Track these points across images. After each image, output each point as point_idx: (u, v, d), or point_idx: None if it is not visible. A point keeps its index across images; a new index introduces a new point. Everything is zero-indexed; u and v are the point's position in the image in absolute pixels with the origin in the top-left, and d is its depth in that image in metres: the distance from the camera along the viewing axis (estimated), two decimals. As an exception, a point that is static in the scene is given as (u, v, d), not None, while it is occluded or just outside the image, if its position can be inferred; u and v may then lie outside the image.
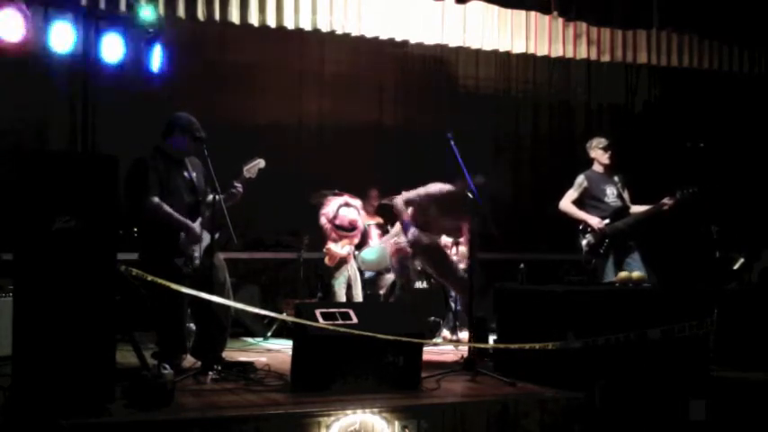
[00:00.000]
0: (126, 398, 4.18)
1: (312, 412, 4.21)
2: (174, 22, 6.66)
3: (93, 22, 6.53)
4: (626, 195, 6.99)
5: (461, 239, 6.85)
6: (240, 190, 5.38)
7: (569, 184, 7.09)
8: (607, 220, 6.86)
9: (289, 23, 6.64)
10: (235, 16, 6.46)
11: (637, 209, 6.94)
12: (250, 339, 7.30)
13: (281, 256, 8.35)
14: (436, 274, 6.68)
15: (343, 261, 7.31)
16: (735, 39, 8.01)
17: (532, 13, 7.37)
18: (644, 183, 7.36)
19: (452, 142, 5.92)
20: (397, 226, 6.72)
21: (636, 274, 5.96)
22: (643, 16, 7.55)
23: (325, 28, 6.79)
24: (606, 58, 7.72)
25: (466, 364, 5.39)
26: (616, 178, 6.99)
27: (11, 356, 4.11)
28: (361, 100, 9.04)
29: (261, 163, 5.45)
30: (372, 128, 9.09)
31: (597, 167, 7.01)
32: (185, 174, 5.36)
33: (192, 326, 5.63)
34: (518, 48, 7.46)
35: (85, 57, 6.79)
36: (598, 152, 6.98)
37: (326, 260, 7.34)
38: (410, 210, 6.41)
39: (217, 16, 6.42)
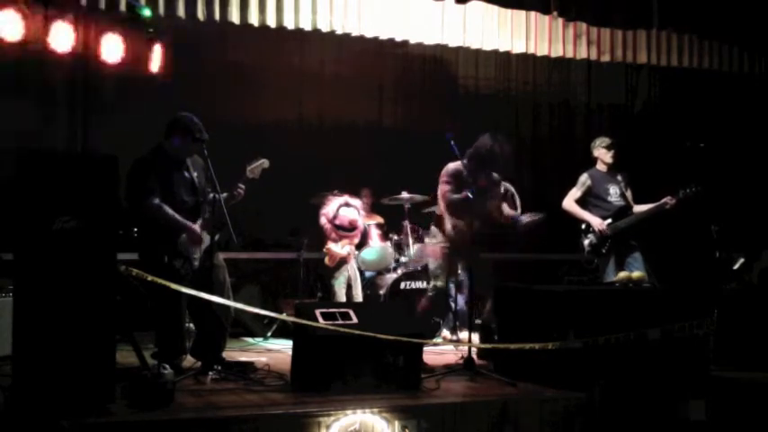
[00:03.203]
0: (126, 398, 4.19)
1: (312, 412, 4.22)
2: (174, 22, 6.66)
3: (92, 22, 6.53)
4: (629, 194, 7.00)
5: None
6: (242, 192, 5.37)
7: (569, 184, 7.10)
8: (609, 221, 6.87)
9: (289, 23, 6.63)
10: (235, 16, 6.45)
11: (639, 208, 6.95)
12: (250, 339, 7.30)
13: (281, 256, 8.34)
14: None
15: (343, 261, 7.31)
16: (735, 39, 8.01)
17: (532, 13, 7.37)
18: (644, 183, 7.36)
19: (453, 143, 5.92)
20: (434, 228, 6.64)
21: (636, 273, 5.97)
22: (643, 16, 7.55)
23: (325, 28, 6.79)
24: (606, 58, 7.72)
25: (466, 364, 5.39)
26: (619, 177, 7.01)
27: (11, 356, 4.12)
28: (361, 100, 9.03)
29: (265, 163, 5.44)
30: (372, 128, 9.09)
31: (600, 166, 7.04)
32: (186, 174, 5.36)
33: (192, 326, 5.63)
34: (518, 48, 7.46)
35: (85, 57, 6.79)
36: (601, 151, 7.01)
37: (326, 260, 7.33)
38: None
39: (217, 16, 6.41)
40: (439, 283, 6.38)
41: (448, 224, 6.28)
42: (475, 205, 5.89)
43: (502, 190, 6.37)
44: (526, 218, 6.30)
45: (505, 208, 6.35)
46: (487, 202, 6.17)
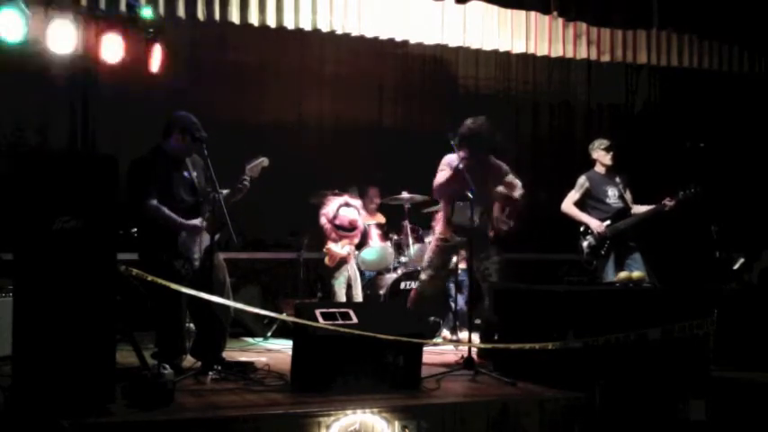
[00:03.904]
0: (126, 398, 4.18)
1: (312, 412, 4.21)
2: (174, 22, 6.66)
3: (93, 22, 6.53)
4: (627, 196, 7.00)
5: None
6: (247, 185, 5.34)
7: (569, 184, 7.10)
8: (608, 222, 6.88)
9: (289, 23, 6.63)
10: (235, 16, 6.45)
11: (638, 209, 6.96)
12: (250, 339, 7.30)
13: (281, 256, 8.35)
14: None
15: (343, 261, 7.31)
16: (735, 39, 8.01)
17: (532, 13, 7.37)
18: (644, 183, 7.37)
19: (453, 143, 5.92)
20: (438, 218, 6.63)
21: (636, 274, 5.97)
22: (643, 16, 7.55)
23: (325, 28, 6.79)
24: (606, 58, 7.72)
25: (466, 364, 5.39)
26: (618, 179, 7.01)
27: (11, 356, 4.12)
28: (361, 100, 9.03)
29: (264, 161, 5.42)
30: (372, 128, 9.09)
31: (599, 168, 7.05)
32: (185, 174, 5.36)
33: (192, 326, 5.63)
34: (518, 48, 7.46)
35: (85, 57, 6.79)
36: (600, 153, 7.02)
37: (326, 260, 7.34)
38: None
39: (217, 16, 6.41)
40: (423, 277, 6.40)
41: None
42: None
43: (504, 174, 6.31)
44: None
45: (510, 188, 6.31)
46: (485, 186, 6.13)
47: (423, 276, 6.41)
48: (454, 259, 6.55)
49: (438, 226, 6.42)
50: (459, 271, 6.81)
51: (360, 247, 7.51)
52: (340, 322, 4.77)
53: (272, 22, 6.58)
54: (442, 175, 6.14)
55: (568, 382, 4.86)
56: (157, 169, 5.24)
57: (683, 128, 9.32)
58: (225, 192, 5.21)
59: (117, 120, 7.70)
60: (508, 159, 6.38)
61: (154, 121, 5.68)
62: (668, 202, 6.81)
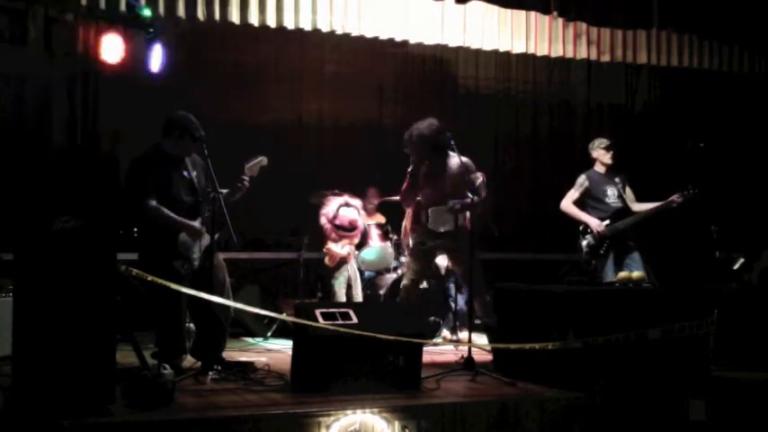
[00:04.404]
0: (126, 398, 4.19)
1: (312, 412, 4.22)
2: (174, 22, 6.66)
3: (93, 21, 6.53)
4: (628, 195, 6.99)
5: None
6: (247, 184, 5.35)
7: (569, 184, 7.09)
8: (607, 222, 6.87)
9: (289, 23, 6.64)
10: (235, 16, 6.46)
11: (642, 207, 6.94)
12: (250, 339, 7.30)
13: (281, 256, 8.34)
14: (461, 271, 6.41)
15: (343, 261, 7.31)
16: (735, 39, 8.01)
17: (532, 13, 7.37)
18: (644, 183, 7.36)
19: (452, 142, 5.93)
20: None
21: (636, 273, 5.97)
22: (643, 16, 7.55)
23: (325, 28, 6.80)
24: (606, 58, 7.72)
25: (466, 364, 5.39)
26: (617, 179, 7.00)
27: (11, 356, 4.12)
28: (361, 100, 9.03)
29: (263, 161, 5.43)
30: (372, 128, 9.09)
31: (599, 168, 7.04)
32: (185, 173, 5.35)
33: (192, 326, 5.62)
34: (518, 48, 7.46)
35: (86, 56, 6.79)
36: (600, 152, 7.01)
37: (326, 260, 7.34)
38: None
39: (217, 16, 6.42)
40: (405, 282, 6.44)
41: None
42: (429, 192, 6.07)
43: (468, 173, 6.15)
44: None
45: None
46: (439, 184, 6.21)
47: (404, 281, 6.47)
48: (438, 262, 6.60)
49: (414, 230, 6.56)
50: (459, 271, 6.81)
51: (360, 247, 7.50)
52: (340, 322, 4.77)
53: (272, 22, 6.58)
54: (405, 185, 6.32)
55: (568, 382, 4.86)
56: (157, 169, 5.23)
57: (683, 128, 9.32)
58: (224, 191, 5.21)
59: (117, 119, 7.69)
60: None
61: (154, 121, 5.68)
62: (676, 199, 6.79)
